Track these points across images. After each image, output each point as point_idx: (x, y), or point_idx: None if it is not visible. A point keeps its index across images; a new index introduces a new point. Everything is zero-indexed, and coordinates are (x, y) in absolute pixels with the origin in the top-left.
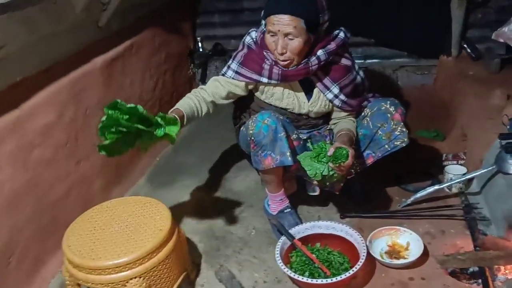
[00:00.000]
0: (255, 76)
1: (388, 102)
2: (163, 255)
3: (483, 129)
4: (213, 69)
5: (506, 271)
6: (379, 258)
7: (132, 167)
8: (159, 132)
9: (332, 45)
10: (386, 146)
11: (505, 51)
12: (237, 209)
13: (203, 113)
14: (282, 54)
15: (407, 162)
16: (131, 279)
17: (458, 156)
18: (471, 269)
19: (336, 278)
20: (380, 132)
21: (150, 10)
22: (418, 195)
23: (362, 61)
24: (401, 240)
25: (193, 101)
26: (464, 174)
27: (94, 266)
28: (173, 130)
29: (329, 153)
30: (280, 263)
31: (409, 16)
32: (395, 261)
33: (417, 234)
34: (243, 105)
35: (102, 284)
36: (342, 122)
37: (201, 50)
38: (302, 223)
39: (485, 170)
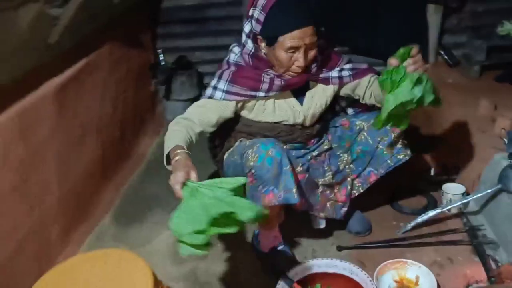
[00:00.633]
0: (249, 93)
1: None
2: None
3: (477, 143)
4: (178, 84)
5: None
6: None
7: (94, 202)
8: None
9: (320, 41)
10: (389, 161)
11: (484, 58)
12: (220, 246)
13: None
14: (303, 65)
15: (393, 176)
16: None
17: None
18: None
19: None
20: (381, 147)
21: (105, 21)
22: (420, 219)
23: None
24: (410, 274)
25: (186, 135)
26: (463, 193)
27: None
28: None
29: (393, 62)
30: None
31: (384, 24)
32: None
33: (426, 267)
34: (226, 127)
35: None
36: (373, 86)
37: (163, 63)
38: (296, 259)
39: (491, 190)
